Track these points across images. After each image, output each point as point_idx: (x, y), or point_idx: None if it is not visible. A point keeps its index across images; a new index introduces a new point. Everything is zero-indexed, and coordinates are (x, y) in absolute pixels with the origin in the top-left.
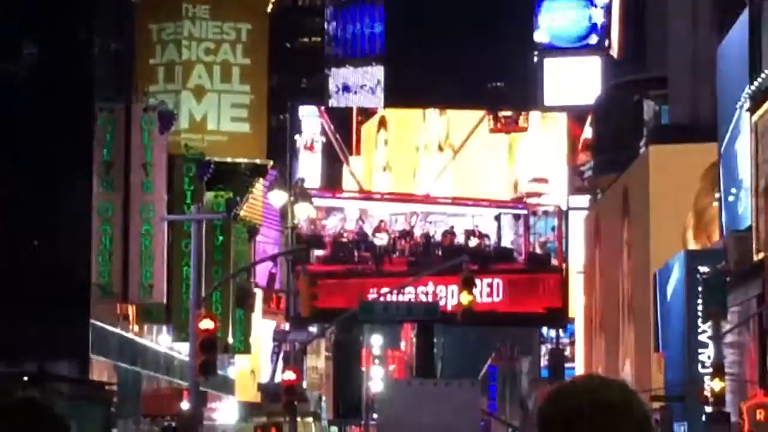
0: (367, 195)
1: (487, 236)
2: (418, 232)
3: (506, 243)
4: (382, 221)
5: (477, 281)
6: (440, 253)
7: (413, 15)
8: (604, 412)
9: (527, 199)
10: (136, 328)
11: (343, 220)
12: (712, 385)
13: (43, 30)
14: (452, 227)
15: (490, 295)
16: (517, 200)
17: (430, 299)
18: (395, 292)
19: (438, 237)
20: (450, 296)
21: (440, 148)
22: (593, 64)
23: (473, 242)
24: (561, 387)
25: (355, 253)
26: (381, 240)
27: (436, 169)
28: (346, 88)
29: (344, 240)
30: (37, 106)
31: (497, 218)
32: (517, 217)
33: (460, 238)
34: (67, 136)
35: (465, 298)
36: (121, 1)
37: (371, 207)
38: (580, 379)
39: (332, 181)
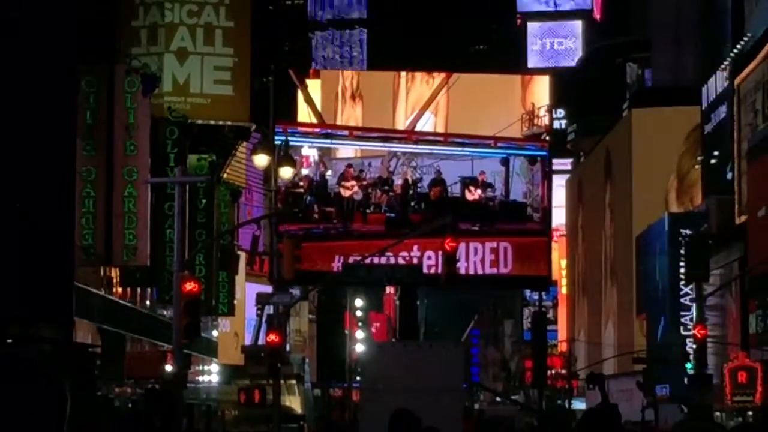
0: (329, 130)
1: (491, 186)
2: (398, 180)
3: (517, 195)
4: (350, 166)
5: (479, 246)
6: (424, 207)
7: None
8: None
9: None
10: (119, 290)
11: (297, 164)
12: (694, 347)
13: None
14: (440, 174)
15: (495, 264)
16: (534, 138)
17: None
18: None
19: (425, 186)
20: (436, 259)
21: (429, 75)
22: (575, 28)
23: (473, 195)
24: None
25: (315, 209)
26: (349, 190)
27: (423, 99)
28: (328, 51)
29: (300, 191)
30: (19, 69)
31: (505, 162)
32: (532, 160)
33: (454, 188)
34: (50, 98)
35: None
36: None
37: (336, 147)
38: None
39: (283, 112)
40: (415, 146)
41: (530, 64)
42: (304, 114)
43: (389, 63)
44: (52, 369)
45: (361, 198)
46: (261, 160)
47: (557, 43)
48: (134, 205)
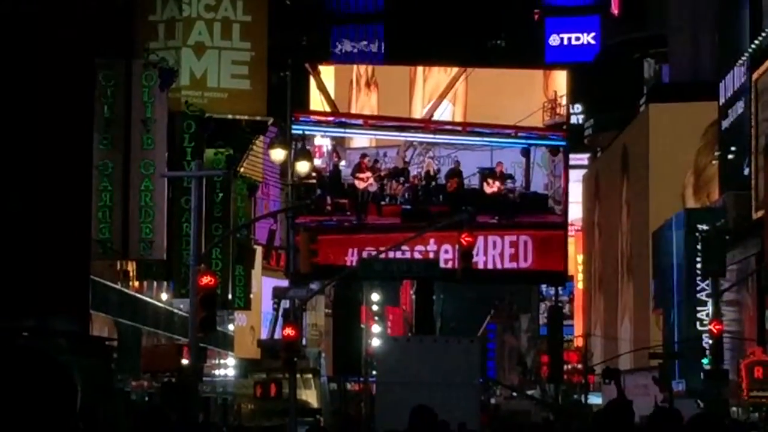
0: (343, 119)
1: (510, 177)
2: (414, 171)
3: (538, 187)
4: (364, 156)
5: (497, 240)
6: (442, 199)
7: None
8: None
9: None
10: (136, 284)
11: (297, 139)
12: (710, 343)
13: None
14: (459, 164)
15: (515, 258)
16: (555, 127)
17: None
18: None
19: (442, 178)
20: (453, 253)
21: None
22: (593, 23)
23: (491, 187)
24: None
25: (328, 200)
26: (363, 182)
27: (441, 87)
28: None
29: (312, 182)
30: (36, 63)
31: (526, 152)
32: (554, 150)
33: (472, 180)
34: (67, 92)
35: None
36: None
37: (350, 136)
38: None
39: (295, 100)
40: (432, 136)
41: (547, 59)
42: (316, 102)
43: (406, 57)
44: (63, 360)
45: (376, 189)
46: (278, 154)
47: (574, 38)
48: (151, 198)
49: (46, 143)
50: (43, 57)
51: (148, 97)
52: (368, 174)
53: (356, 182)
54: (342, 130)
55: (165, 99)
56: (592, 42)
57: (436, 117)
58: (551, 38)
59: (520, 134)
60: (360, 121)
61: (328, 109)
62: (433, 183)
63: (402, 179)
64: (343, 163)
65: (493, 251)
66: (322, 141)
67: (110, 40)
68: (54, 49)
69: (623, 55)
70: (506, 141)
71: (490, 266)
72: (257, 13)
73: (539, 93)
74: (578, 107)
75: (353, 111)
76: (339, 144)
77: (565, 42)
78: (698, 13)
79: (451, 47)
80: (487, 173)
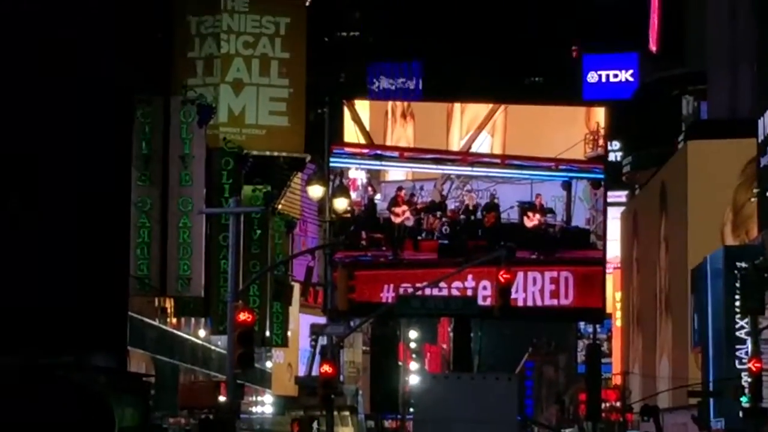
0: (378, 151)
1: (551, 212)
2: (452, 205)
3: (579, 221)
4: (400, 189)
5: (537, 276)
6: (480, 234)
7: (451, 6)
8: None
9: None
10: (173, 320)
11: (335, 175)
12: (749, 381)
13: (81, 23)
14: (495, 198)
15: (555, 294)
16: (597, 160)
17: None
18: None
19: (480, 211)
20: (492, 289)
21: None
22: (631, 60)
23: (532, 220)
24: None
25: (363, 235)
26: (400, 217)
27: (479, 118)
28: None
29: (347, 216)
30: (75, 99)
31: (567, 185)
32: (596, 183)
33: (511, 214)
34: (106, 128)
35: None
36: None
37: (385, 169)
38: None
39: (331, 133)
40: (470, 168)
41: (585, 96)
42: (351, 133)
43: (443, 93)
44: (102, 394)
45: (412, 224)
46: (316, 191)
47: (613, 75)
48: (189, 235)
49: (85, 179)
50: (82, 93)
51: (187, 133)
52: (404, 208)
53: (392, 216)
54: (377, 162)
55: (203, 135)
56: (631, 79)
57: (474, 149)
58: (589, 75)
59: (560, 167)
60: (396, 154)
61: (362, 141)
62: (472, 217)
63: (439, 213)
64: (378, 196)
65: (533, 287)
66: (357, 174)
67: (149, 77)
68: (93, 85)
69: (662, 92)
70: (546, 174)
71: (530, 303)
72: (295, 50)
73: (580, 125)
74: (616, 144)
75: (389, 143)
76: (374, 177)
77: (603, 79)
78: (737, 51)
79: (488, 84)
80: (526, 206)
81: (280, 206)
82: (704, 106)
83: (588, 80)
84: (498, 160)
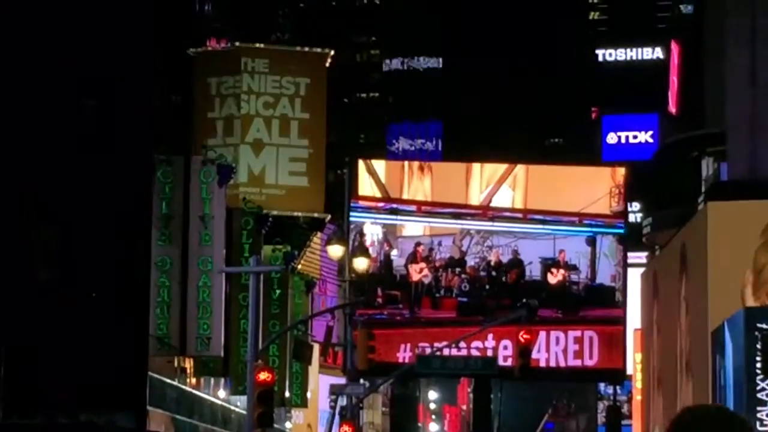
0: (395, 205)
1: (574, 268)
2: (471, 261)
3: (604, 278)
4: (419, 245)
5: (561, 335)
6: (500, 291)
7: (471, 66)
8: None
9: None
10: (193, 380)
11: (355, 234)
12: None
13: (102, 82)
14: (518, 254)
15: (579, 355)
16: (623, 214)
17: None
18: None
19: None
20: (513, 349)
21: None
22: (651, 121)
23: (555, 276)
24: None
25: (379, 292)
26: (418, 274)
27: (499, 171)
28: (402, 143)
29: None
30: (95, 159)
31: (591, 241)
32: (621, 239)
33: (533, 270)
34: (126, 188)
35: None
36: (179, 55)
37: (402, 224)
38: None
39: (349, 193)
40: (490, 223)
41: (605, 158)
42: (366, 186)
43: (463, 154)
44: None
45: (430, 281)
46: (336, 250)
47: (632, 137)
48: (209, 295)
49: (105, 239)
50: (102, 153)
51: (206, 193)
52: (423, 265)
53: (410, 273)
54: (393, 216)
55: (223, 195)
56: (650, 140)
57: (494, 203)
58: (609, 136)
59: (584, 221)
60: (413, 208)
61: (378, 194)
62: (494, 273)
63: (458, 270)
64: (394, 252)
65: (556, 347)
66: (372, 229)
67: (169, 137)
68: (113, 146)
69: (681, 153)
70: (570, 229)
71: (552, 363)
72: (315, 110)
73: (605, 179)
74: (636, 205)
75: (405, 197)
76: (390, 232)
77: (623, 140)
78: (757, 111)
79: (508, 144)
80: (549, 263)
81: (299, 266)
82: (724, 167)
83: (607, 141)
84: (519, 215)
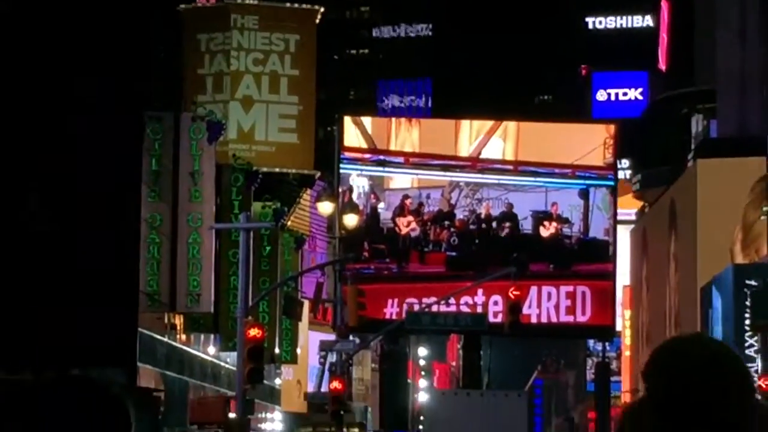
0: (382, 156)
1: (567, 222)
2: (461, 214)
3: (597, 232)
4: (406, 197)
5: (552, 291)
6: (493, 245)
7: (461, 25)
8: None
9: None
10: (183, 337)
11: (345, 194)
12: (759, 398)
13: (93, 43)
14: (512, 207)
15: (571, 310)
16: (614, 167)
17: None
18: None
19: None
20: (503, 304)
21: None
22: (640, 78)
23: (548, 229)
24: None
25: (366, 246)
26: (405, 228)
27: (490, 122)
28: (393, 100)
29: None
30: (85, 116)
31: (584, 194)
32: (615, 191)
33: (524, 224)
34: (116, 145)
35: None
36: (169, 12)
37: (389, 176)
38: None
39: (339, 150)
40: (480, 175)
41: (594, 115)
42: (352, 137)
43: (453, 111)
44: (120, 394)
45: (418, 235)
46: (325, 207)
47: (622, 94)
48: (198, 251)
49: (95, 196)
50: (91, 110)
51: (196, 150)
52: (410, 218)
53: (397, 227)
54: (381, 168)
55: (213, 152)
56: (640, 97)
57: (484, 155)
58: (598, 93)
59: (578, 174)
60: (400, 159)
61: (364, 145)
62: (484, 226)
63: (447, 223)
64: (381, 205)
65: (548, 303)
66: (359, 181)
67: (158, 94)
68: (102, 103)
69: (671, 111)
70: (563, 181)
71: (544, 319)
72: (305, 67)
73: (599, 131)
74: (626, 162)
75: (393, 148)
76: (377, 184)
77: (613, 97)
78: (746, 69)
79: (498, 101)
80: (542, 216)
81: (289, 223)
82: (713, 124)
83: (597, 98)
84: (510, 167)
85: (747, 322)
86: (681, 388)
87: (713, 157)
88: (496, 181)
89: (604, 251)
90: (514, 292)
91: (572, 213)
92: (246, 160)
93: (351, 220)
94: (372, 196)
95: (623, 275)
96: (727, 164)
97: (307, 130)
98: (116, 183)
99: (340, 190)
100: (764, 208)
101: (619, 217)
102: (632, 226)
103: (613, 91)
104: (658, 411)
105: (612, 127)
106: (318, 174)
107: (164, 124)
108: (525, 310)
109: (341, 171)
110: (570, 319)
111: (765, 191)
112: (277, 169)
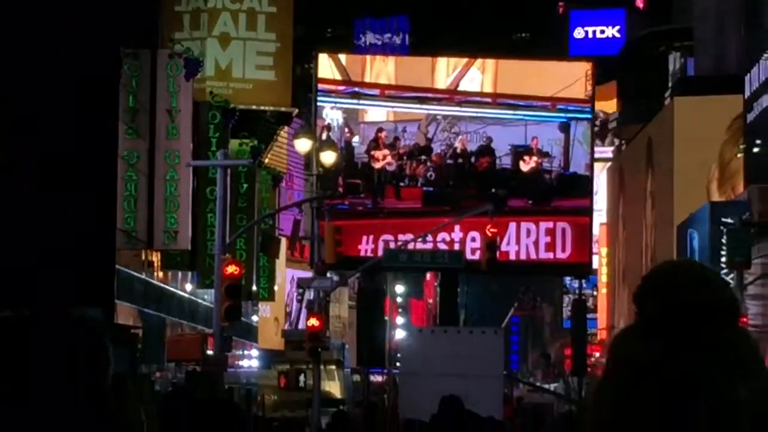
0: (356, 88)
1: (548, 156)
2: (438, 149)
3: (578, 167)
4: (381, 130)
5: (531, 227)
6: (469, 180)
7: None
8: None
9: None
10: (160, 274)
11: (322, 128)
12: None
13: None
14: (491, 141)
15: (551, 247)
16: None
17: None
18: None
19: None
20: (481, 241)
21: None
22: (618, 16)
23: (528, 163)
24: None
25: (340, 181)
26: (380, 161)
27: (466, 61)
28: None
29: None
30: (61, 52)
31: (565, 127)
32: (593, 124)
33: (504, 159)
34: (92, 82)
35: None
36: None
37: (364, 109)
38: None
39: (317, 87)
40: (458, 108)
41: (572, 52)
42: (325, 68)
43: (431, 49)
44: (98, 330)
45: (394, 169)
46: (303, 144)
47: (599, 31)
48: (176, 188)
49: (71, 132)
50: (67, 46)
51: (173, 87)
52: (386, 152)
53: (372, 161)
54: (355, 101)
55: (190, 89)
56: (617, 35)
57: (462, 87)
58: (576, 31)
59: (558, 106)
60: (375, 92)
61: (338, 77)
62: (460, 160)
63: (423, 158)
64: (356, 139)
65: (527, 240)
66: (333, 114)
67: (135, 30)
68: (79, 39)
69: (648, 48)
70: (543, 114)
71: (523, 256)
72: (282, 4)
73: (580, 64)
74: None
75: (367, 80)
76: (351, 118)
77: (590, 35)
78: (723, 6)
79: (475, 39)
80: (521, 150)
81: (266, 160)
82: (691, 62)
83: (574, 36)
84: (489, 100)
85: (723, 259)
86: (672, 308)
87: (690, 94)
88: (475, 115)
89: (584, 186)
90: (491, 230)
91: (553, 147)
92: (223, 97)
93: (329, 158)
94: (346, 129)
95: (600, 213)
96: (704, 102)
97: (284, 68)
98: (93, 119)
99: (318, 127)
100: (741, 146)
101: (596, 155)
102: (608, 164)
103: (590, 29)
104: (649, 332)
105: (596, 59)
106: (296, 111)
107: (141, 61)
108: (504, 247)
109: (317, 105)
110: (550, 255)
111: (742, 129)
112: (254, 107)
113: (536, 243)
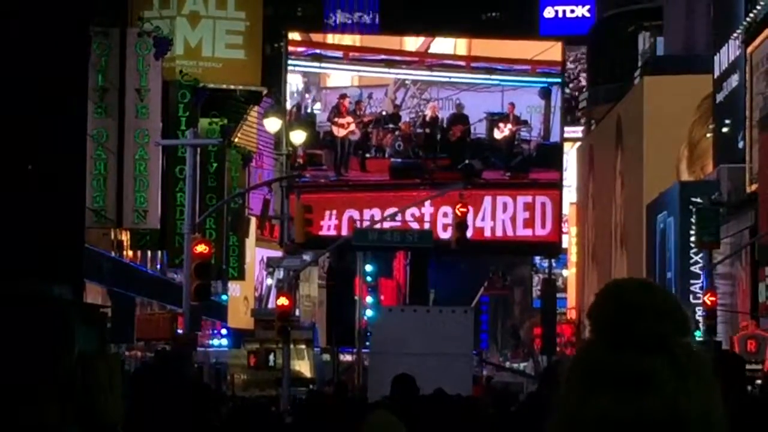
0: (318, 50)
1: (526, 124)
2: (406, 117)
3: (559, 136)
4: (344, 97)
5: (508, 201)
6: (440, 150)
7: None
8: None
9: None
10: (130, 253)
11: (292, 110)
12: (704, 315)
13: None
14: (462, 108)
15: (530, 223)
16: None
17: (427, 226)
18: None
19: (444, 123)
20: (453, 216)
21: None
22: None
23: (503, 131)
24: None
25: (300, 152)
26: (344, 129)
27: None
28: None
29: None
30: (29, 30)
31: (545, 93)
32: (579, 90)
33: (478, 128)
34: (61, 60)
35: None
36: None
37: (326, 72)
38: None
39: (287, 66)
40: (429, 73)
41: (542, 32)
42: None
43: (401, 28)
44: (65, 310)
45: (358, 138)
46: (272, 123)
47: (569, 11)
48: (145, 167)
49: (40, 111)
50: (36, 24)
51: (143, 65)
52: (349, 119)
53: (334, 129)
54: (316, 64)
55: (159, 68)
56: (587, 14)
57: (433, 50)
58: (546, 10)
59: (538, 70)
60: (339, 54)
61: (298, 37)
62: (427, 130)
63: (391, 126)
64: (317, 106)
65: (503, 215)
66: (292, 78)
67: (104, 8)
68: (47, 17)
69: (618, 28)
70: (521, 79)
71: (499, 233)
72: None
73: (551, 41)
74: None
75: (330, 41)
76: (313, 82)
77: (560, 14)
78: None
79: (446, 19)
80: (497, 118)
81: (236, 139)
82: (660, 42)
83: (545, 15)
84: (463, 63)
85: (692, 239)
86: (623, 315)
87: (660, 74)
88: (447, 80)
89: (560, 158)
90: (461, 209)
91: (532, 115)
92: (193, 76)
93: (298, 137)
94: (306, 95)
95: (570, 189)
96: (674, 81)
97: (254, 47)
98: (62, 98)
99: (288, 106)
100: (710, 126)
101: (565, 135)
102: (578, 143)
103: (560, 8)
104: (603, 340)
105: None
106: (265, 90)
107: (110, 39)
108: (478, 223)
109: (286, 83)
110: (528, 233)
111: (711, 109)
112: (224, 86)
113: (513, 219)
